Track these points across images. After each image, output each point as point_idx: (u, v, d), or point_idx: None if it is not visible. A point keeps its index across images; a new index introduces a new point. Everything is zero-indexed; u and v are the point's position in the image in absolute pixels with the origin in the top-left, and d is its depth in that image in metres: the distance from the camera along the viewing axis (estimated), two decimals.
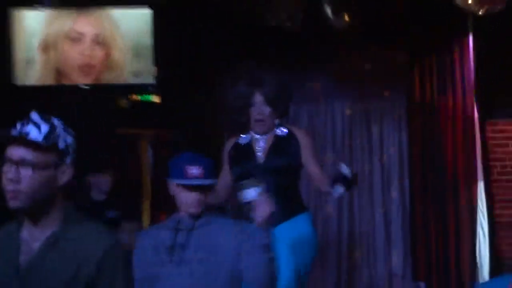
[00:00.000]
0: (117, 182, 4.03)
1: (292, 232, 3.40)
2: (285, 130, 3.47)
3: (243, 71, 3.52)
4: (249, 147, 3.49)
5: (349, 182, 3.21)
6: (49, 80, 4.64)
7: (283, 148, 3.48)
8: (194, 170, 2.77)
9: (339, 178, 3.21)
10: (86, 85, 4.55)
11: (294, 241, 3.39)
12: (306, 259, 3.44)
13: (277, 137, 3.46)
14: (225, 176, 3.54)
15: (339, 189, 3.24)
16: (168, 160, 3.63)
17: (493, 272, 5.12)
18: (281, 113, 3.49)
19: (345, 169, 3.22)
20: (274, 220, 3.14)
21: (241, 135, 3.52)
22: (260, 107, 3.38)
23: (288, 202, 3.44)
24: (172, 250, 2.83)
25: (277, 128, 3.45)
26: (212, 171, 2.80)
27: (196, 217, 2.81)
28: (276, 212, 3.13)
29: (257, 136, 3.46)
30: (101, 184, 3.97)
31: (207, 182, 2.79)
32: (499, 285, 2.88)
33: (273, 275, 2.82)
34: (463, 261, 5.19)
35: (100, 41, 4.49)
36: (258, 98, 3.39)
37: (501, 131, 5.18)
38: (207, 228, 2.84)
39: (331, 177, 3.37)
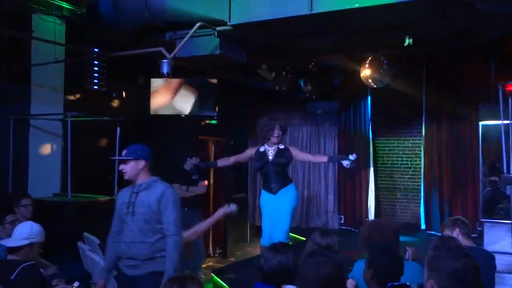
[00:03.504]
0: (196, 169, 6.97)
1: (287, 194, 5.43)
2: (283, 146, 5.57)
3: (270, 115, 5.87)
4: (264, 152, 5.53)
5: (352, 161, 5.21)
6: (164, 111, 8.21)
7: (282, 154, 5.50)
8: (123, 152, 3.62)
9: (346, 158, 5.22)
10: (185, 115, 8.14)
11: (290, 200, 5.42)
12: (293, 205, 5.49)
13: (279, 149, 5.52)
14: (243, 155, 5.75)
15: (346, 162, 5.21)
16: (222, 154, 7.02)
17: (375, 210, 8.99)
18: (284, 134, 5.62)
19: (351, 156, 5.20)
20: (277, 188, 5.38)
21: (260, 146, 5.62)
22: (277, 130, 5.45)
23: (284, 178, 5.52)
24: (128, 206, 3.62)
25: (279, 145, 5.52)
26: (132, 152, 3.68)
27: (142, 183, 3.64)
28: (278, 184, 5.41)
29: (269, 148, 5.51)
30: (191, 162, 6.86)
31: (120, 158, 3.69)
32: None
33: (179, 218, 3.53)
34: (363, 205, 9.05)
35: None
36: (277, 126, 5.46)
37: (382, 143, 9.40)
38: (146, 191, 3.60)
39: (338, 157, 5.82)
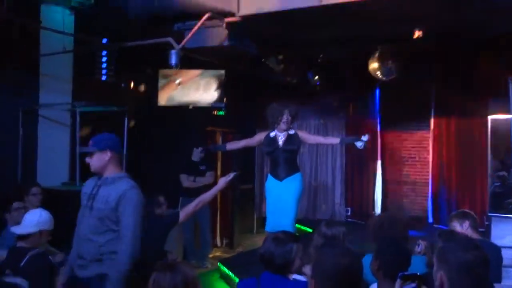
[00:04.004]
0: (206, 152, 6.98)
1: (293, 182, 5.41)
2: (293, 131, 5.52)
3: (280, 102, 5.65)
4: (275, 138, 5.52)
5: (366, 142, 5.24)
6: (172, 102, 8.18)
7: (292, 140, 5.48)
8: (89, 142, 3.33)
9: (359, 140, 5.24)
10: (193, 106, 8.24)
11: (295, 188, 5.40)
12: (298, 195, 5.46)
13: (289, 134, 5.47)
14: (252, 140, 5.76)
15: (359, 143, 5.26)
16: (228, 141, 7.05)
17: (382, 203, 8.96)
18: (294, 121, 5.56)
19: (364, 137, 5.21)
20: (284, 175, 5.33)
21: (270, 131, 5.53)
22: (286, 116, 5.42)
23: (292, 166, 5.49)
24: (88, 199, 3.28)
25: (289, 130, 5.48)
26: (97, 142, 3.30)
27: (107, 177, 3.27)
28: (286, 171, 5.38)
29: (279, 133, 5.48)
30: (198, 153, 7.01)
31: (85, 149, 3.36)
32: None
33: (138, 223, 3.12)
34: (369, 198, 9.11)
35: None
36: (286, 112, 5.43)
37: (391, 136, 9.34)
38: (109, 187, 3.21)
39: (351, 138, 5.65)
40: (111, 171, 3.30)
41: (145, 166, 7.70)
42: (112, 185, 3.24)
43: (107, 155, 3.29)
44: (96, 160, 3.29)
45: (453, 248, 2.14)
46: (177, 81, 8.19)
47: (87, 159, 3.32)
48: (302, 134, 5.61)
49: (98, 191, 3.26)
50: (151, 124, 7.95)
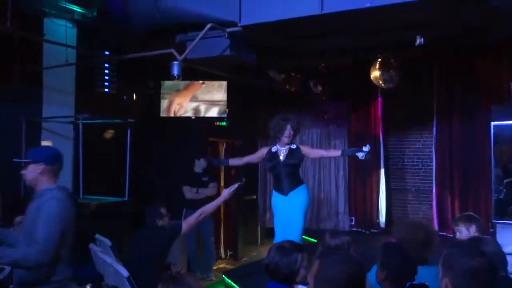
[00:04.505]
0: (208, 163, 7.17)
1: (299, 195, 5.44)
2: (295, 145, 5.60)
3: (282, 114, 5.63)
4: (276, 153, 5.58)
5: (366, 153, 5.16)
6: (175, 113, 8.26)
7: (293, 154, 5.52)
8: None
9: (360, 150, 5.17)
10: (195, 117, 8.23)
11: (301, 201, 5.43)
12: (305, 207, 5.51)
13: (291, 149, 5.54)
14: (255, 155, 5.81)
15: (360, 154, 5.18)
16: (233, 154, 7.07)
17: (387, 212, 8.96)
18: (296, 133, 5.66)
19: (365, 147, 5.15)
20: (288, 189, 5.35)
21: (273, 146, 5.65)
22: (289, 130, 5.46)
23: (295, 180, 5.54)
24: (26, 214, 3.22)
25: (291, 145, 5.56)
26: (32, 154, 3.23)
27: (38, 190, 3.17)
28: (289, 185, 5.41)
29: (280, 148, 5.55)
30: (201, 163, 7.22)
31: (18, 160, 3.39)
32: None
33: (52, 235, 2.95)
34: (373, 207, 9.07)
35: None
36: (288, 126, 5.47)
37: (393, 144, 9.33)
38: (36, 200, 3.15)
39: (352, 150, 5.49)
40: (43, 184, 3.22)
41: (148, 178, 7.74)
42: (38, 199, 3.16)
43: (40, 167, 3.20)
44: (29, 172, 3.23)
45: (458, 254, 2.12)
46: (179, 93, 8.24)
47: (22, 171, 3.27)
48: (304, 149, 5.63)
49: (29, 206, 3.20)
50: (153, 136, 8.00)
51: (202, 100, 8.24)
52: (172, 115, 8.22)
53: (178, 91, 8.25)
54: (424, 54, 7.68)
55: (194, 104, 8.25)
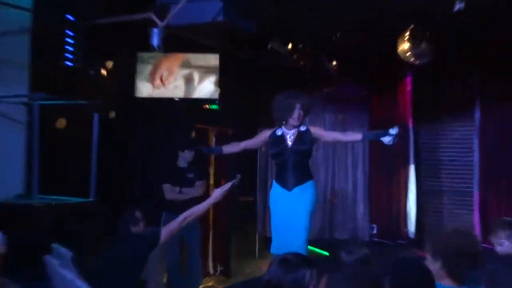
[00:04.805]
0: (196, 156, 7.13)
1: (305, 192, 5.43)
2: (305, 127, 5.54)
3: (290, 91, 5.62)
4: (282, 137, 5.55)
5: (394, 136, 5.11)
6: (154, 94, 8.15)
7: (303, 138, 5.50)
8: None
9: (386, 133, 5.14)
10: (179, 99, 8.14)
11: (307, 200, 5.42)
12: (311, 208, 5.48)
13: (300, 131, 5.49)
14: (254, 140, 5.84)
15: (387, 138, 5.14)
16: (224, 143, 7.06)
17: (417, 220, 9.04)
18: (306, 115, 5.60)
19: (392, 130, 5.10)
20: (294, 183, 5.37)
21: (277, 128, 5.56)
22: (298, 111, 5.44)
23: (303, 172, 5.51)
24: None
25: (300, 127, 5.49)
26: None
27: None
28: (296, 178, 5.39)
29: (287, 131, 5.51)
30: (186, 156, 7.17)
31: None
32: None
33: None
34: (401, 212, 9.13)
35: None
36: (297, 105, 5.45)
37: (425, 134, 9.32)
38: None
39: (376, 133, 5.56)
40: None
41: (120, 174, 7.70)
42: None
43: None
44: None
45: (505, 271, 2.12)
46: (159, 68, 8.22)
47: None
48: (316, 131, 5.64)
49: None
50: (127, 121, 7.95)
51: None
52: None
53: (156, 65, 8.14)
54: (465, 23, 7.59)
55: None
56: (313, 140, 5.57)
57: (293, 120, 5.49)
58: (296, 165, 5.51)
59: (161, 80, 8.12)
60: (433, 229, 9.05)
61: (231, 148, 6.08)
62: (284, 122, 5.56)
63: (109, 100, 7.41)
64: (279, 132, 5.60)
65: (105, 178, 6.80)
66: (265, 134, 5.73)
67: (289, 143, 5.51)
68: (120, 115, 7.72)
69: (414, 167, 9.14)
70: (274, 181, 5.67)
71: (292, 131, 5.54)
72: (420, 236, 8.98)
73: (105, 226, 5.53)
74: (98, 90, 7.53)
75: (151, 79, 8.11)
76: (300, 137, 5.54)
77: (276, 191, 5.59)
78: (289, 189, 5.47)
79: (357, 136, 5.95)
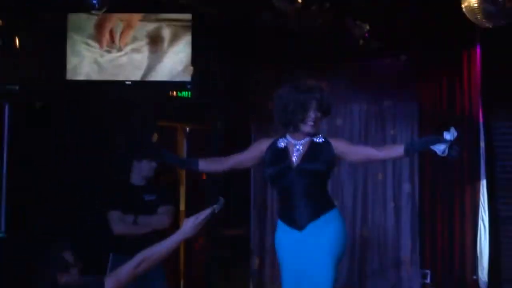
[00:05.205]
0: (156, 170, 7.05)
1: (326, 230, 5.36)
2: (321, 138, 5.51)
3: (301, 82, 5.56)
4: (285, 151, 5.50)
5: (451, 143, 5.01)
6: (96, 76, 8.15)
7: (318, 154, 5.45)
8: None
9: (440, 141, 5.06)
10: (132, 82, 8.15)
11: (331, 240, 5.35)
12: (338, 252, 5.40)
13: (314, 143, 5.47)
14: (246, 155, 5.72)
15: (441, 147, 5.08)
16: (202, 149, 7.00)
17: (492, 263, 8.88)
18: (323, 117, 5.54)
19: (447, 134, 5.01)
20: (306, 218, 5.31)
21: (279, 138, 5.55)
22: (313, 112, 5.37)
23: (319, 202, 5.46)
24: None
25: (314, 136, 5.46)
26: None
27: None
28: (309, 211, 5.33)
29: (295, 141, 5.48)
30: (144, 168, 7.05)
31: None
32: None
33: None
34: (466, 252, 8.96)
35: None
36: (313, 103, 5.38)
37: (503, 134, 9.16)
38: None
39: (424, 141, 5.39)
40: None
41: (40, 190, 7.69)
42: None
43: None
44: None
45: None
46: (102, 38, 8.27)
47: None
48: (339, 145, 5.53)
49: None
50: (55, 114, 8.02)
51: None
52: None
53: (97, 34, 8.32)
54: None
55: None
56: (333, 158, 5.49)
57: (305, 126, 5.41)
58: (307, 191, 5.43)
59: (112, 37, 8.21)
60: None
61: (211, 164, 5.94)
62: (291, 129, 5.49)
63: (28, 84, 7.47)
64: (281, 144, 5.55)
65: (21, 201, 6.92)
66: (261, 146, 5.66)
67: (295, 159, 5.45)
68: (46, 105, 7.81)
69: (486, 184, 9.02)
70: (278, 220, 5.61)
71: (302, 141, 5.49)
72: (496, 287, 8.93)
73: (17, 273, 5.43)
74: (12, 71, 7.62)
75: (98, 36, 8.20)
76: (314, 152, 5.48)
77: (283, 233, 5.53)
78: (300, 229, 5.39)
79: (398, 150, 5.65)
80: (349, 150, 5.56)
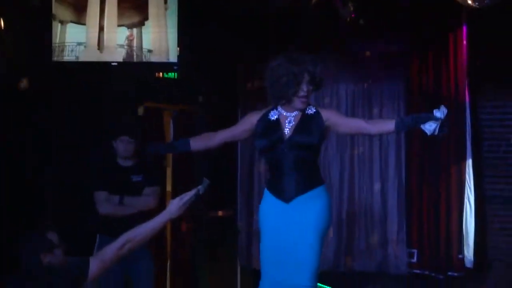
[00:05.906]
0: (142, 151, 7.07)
1: (313, 205, 5.40)
2: (313, 109, 5.51)
3: (292, 54, 5.53)
4: (277, 123, 5.50)
5: (442, 122, 5.03)
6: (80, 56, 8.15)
7: (310, 126, 5.46)
8: None
9: (430, 118, 5.07)
10: (117, 63, 8.15)
11: (317, 215, 5.40)
12: (323, 227, 5.46)
13: (306, 115, 5.48)
14: (236, 128, 5.76)
15: (430, 126, 5.08)
16: (188, 132, 7.01)
17: (478, 242, 8.90)
18: (315, 90, 5.57)
19: (437, 112, 5.02)
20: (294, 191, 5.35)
21: (271, 110, 5.54)
22: (305, 85, 5.37)
23: (308, 174, 5.49)
24: None
25: (307, 108, 5.47)
26: None
27: None
28: (297, 183, 5.36)
29: (286, 113, 5.49)
30: (128, 148, 7.09)
31: None
32: None
33: None
34: (453, 231, 8.97)
35: None
36: (305, 76, 5.37)
37: (489, 113, 9.19)
38: None
39: (414, 118, 5.33)
40: None
41: (24, 173, 7.74)
42: None
43: None
44: None
45: None
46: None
47: None
48: (331, 116, 5.55)
49: None
50: (37, 99, 7.99)
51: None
52: (70, 58, 8.19)
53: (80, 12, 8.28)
54: None
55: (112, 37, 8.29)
56: (325, 130, 5.50)
57: (299, 100, 5.41)
58: (298, 164, 5.44)
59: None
60: (503, 255, 9.03)
61: (202, 142, 5.89)
62: (282, 101, 5.48)
63: (11, 64, 7.48)
64: (273, 116, 5.55)
65: (2, 180, 6.94)
66: (251, 119, 5.65)
67: (287, 131, 5.46)
68: (30, 87, 7.74)
69: (472, 163, 9.03)
70: (266, 190, 5.61)
71: (294, 113, 5.49)
72: (482, 266, 8.96)
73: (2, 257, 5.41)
74: None
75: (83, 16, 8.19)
76: (305, 124, 5.48)
77: (269, 204, 5.54)
78: (287, 201, 5.41)
79: (387, 125, 5.65)
80: (340, 122, 5.61)
